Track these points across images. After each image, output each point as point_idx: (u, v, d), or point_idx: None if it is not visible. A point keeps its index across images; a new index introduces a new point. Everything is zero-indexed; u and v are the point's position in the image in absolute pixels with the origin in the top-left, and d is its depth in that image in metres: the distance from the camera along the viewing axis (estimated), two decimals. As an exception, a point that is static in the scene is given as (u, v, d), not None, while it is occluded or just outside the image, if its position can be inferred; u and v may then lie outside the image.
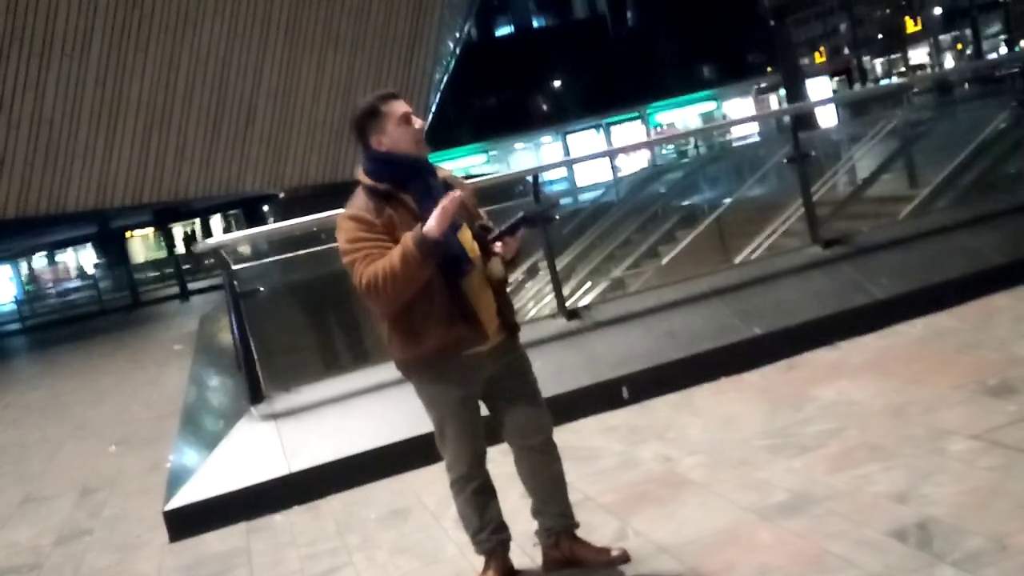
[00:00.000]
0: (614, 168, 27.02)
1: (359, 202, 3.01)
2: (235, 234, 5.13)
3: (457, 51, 23.53)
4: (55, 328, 23.16)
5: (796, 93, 19.64)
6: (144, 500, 5.21)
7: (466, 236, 3.03)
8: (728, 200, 11.52)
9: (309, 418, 5.10)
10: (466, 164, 40.55)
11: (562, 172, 29.22)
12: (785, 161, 6.33)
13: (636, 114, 39.78)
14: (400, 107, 3.02)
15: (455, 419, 3.12)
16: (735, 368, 5.31)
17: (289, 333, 6.68)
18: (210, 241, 5.10)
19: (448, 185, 3.11)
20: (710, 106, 41.67)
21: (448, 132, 38.91)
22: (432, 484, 4.55)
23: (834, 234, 6.42)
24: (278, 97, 17.95)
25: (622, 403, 5.15)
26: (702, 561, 3.16)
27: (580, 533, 3.34)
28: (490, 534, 3.22)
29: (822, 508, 3.37)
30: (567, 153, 36.64)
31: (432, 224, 2.85)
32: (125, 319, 20.89)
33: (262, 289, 5.29)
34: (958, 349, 4.93)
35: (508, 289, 3.22)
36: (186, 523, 4.54)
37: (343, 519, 4.37)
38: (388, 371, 5.34)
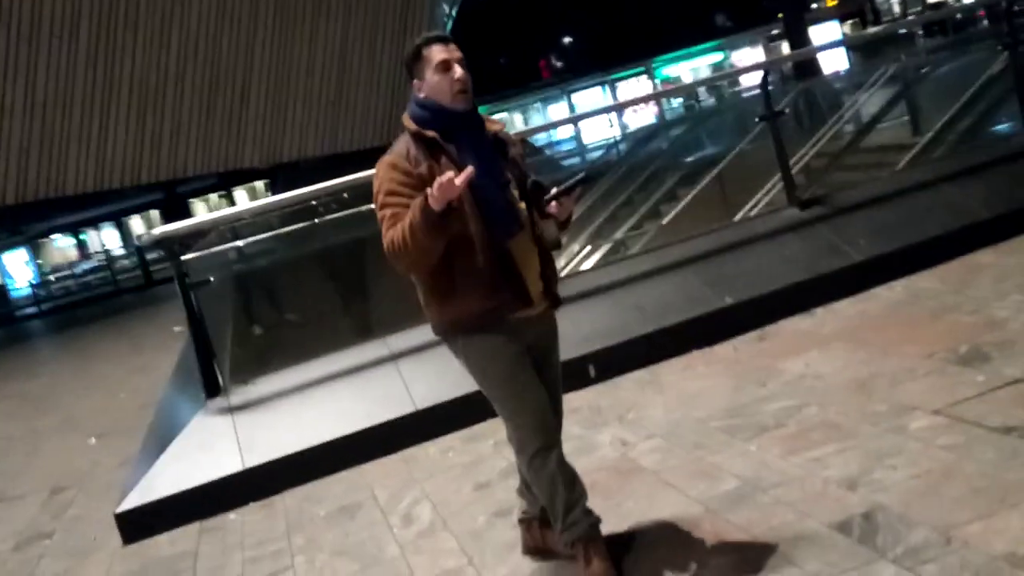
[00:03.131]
0: (622, 125, 26.58)
1: (400, 148, 2.77)
2: (180, 223, 4.95)
3: (454, 12, 23.08)
4: (70, 311, 23.33)
5: (799, 39, 19.09)
6: (108, 498, 5.09)
7: (515, 195, 2.79)
8: (728, 157, 11.16)
9: (266, 411, 4.96)
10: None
11: (568, 131, 28.72)
12: (757, 120, 6.03)
13: (642, 68, 38.94)
14: (439, 53, 2.75)
15: (516, 380, 2.81)
16: (706, 340, 5.12)
17: (248, 322, 6.53)
18: (155, 231, 4.93)
19: (499, 139, 2.86)
20: (717, 57, 40.66)
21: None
22: (387, 476, 4.44)
23: (820, 190, 6.16)
24: (271, 71, 17.66)
25: (588, 382, 4.97)
26: (635, 561, 3.00)
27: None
28: (583, 514, 2.88)
29: (769, 497, 3.20)
30: (572, 111, 36.04)
31: (433, 194, 2.53)
32: (137, 299, 20.92)
33: (212, 279, 5.14)
34: (934, 313, 4.71)
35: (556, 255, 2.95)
36: (138, 525, 4.43)
37: (294, 517, 4.25)
38: (349, 358, 5.27)
